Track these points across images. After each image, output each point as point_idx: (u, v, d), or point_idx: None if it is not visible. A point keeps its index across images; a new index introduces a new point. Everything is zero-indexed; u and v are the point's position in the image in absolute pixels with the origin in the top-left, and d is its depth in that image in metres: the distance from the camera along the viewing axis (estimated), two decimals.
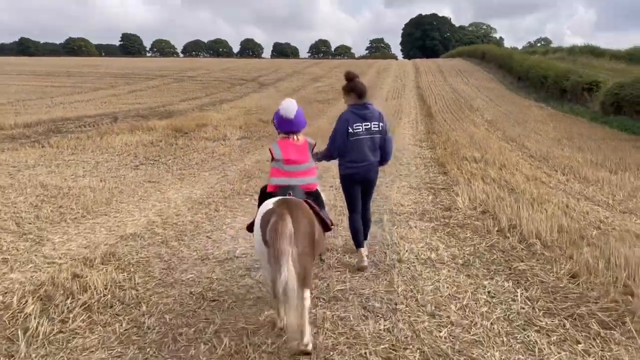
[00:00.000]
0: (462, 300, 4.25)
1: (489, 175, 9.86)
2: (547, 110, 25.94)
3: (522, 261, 5.16)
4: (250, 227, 3.95)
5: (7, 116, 18.77)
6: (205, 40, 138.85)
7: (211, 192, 8.36)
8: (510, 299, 4.28)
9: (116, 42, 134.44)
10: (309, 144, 4.23)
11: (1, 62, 58.50)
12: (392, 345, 3.52)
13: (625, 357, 3.40)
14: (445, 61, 59.87)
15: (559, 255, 5.26)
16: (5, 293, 4.30)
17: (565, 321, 3.87)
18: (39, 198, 7.51)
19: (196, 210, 7.19)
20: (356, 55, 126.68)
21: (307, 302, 3.36)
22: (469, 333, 3.68)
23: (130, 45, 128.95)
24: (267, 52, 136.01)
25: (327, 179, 9.10)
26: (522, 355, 3.42)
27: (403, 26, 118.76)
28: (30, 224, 6.30)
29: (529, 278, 4.71)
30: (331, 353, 3.43)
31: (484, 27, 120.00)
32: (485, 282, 4.64)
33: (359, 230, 5.05)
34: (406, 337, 3.62)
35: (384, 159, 5.17)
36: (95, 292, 4.24)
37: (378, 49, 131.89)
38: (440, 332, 3.70)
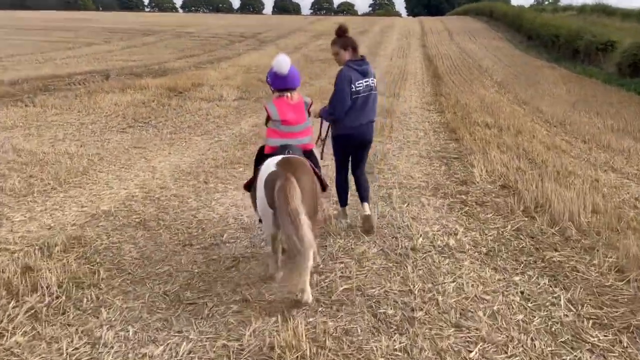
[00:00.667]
0: (491, 304, 3.53)
1: (505, 143, 9.05)
2: (559, 70, 24.81)
3: (555, 250, 4.43)
4: (247, 187, 3.96)
5: None
6: None
7: (202, 160, 7.59)
8: (549, 303, 3.56)
9: None
10: (305, 103, 4.10)
11: None
12: None
13: None
14: (452, 19, 57.96)
15: (598, 242, 4.53)
16: None
17: (622, 336, 3.16)
18: (9, 165, 6.74)
19: (183, 181, 6.43)
20: (359, 13, 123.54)
21: (310, 262, 3.36)
22: (506, 354, 2.97)
23: (128, 0, 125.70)
24: (268, 9, 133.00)
25: None
26: None
27: None
28: None
29: (568, 273, 3.99)
30: None
31: None
32: (517, 279, 3.92)
33: (347, 189, 4.95)
34: None
35: None
36: (46, 293, 3.50)
37: (382, 6, 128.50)
38: (470, 351, 2.99)
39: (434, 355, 2.96)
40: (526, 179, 6.61)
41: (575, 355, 2.98)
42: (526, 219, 5.23)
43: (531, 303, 3.56)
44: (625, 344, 3.08)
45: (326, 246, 4.44)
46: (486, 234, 4.81)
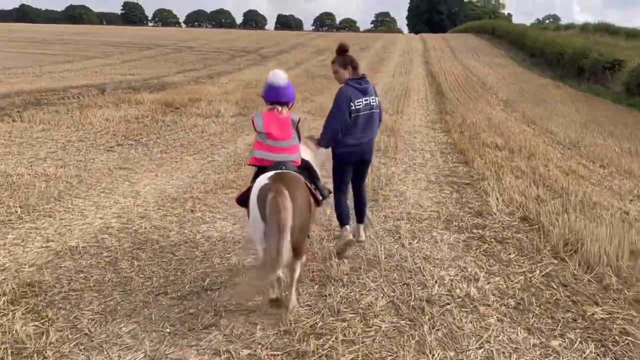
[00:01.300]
0: None
1: (519, 167, 8.41)
2: (564, 89, 24.28)
3: (596, 304, 3.76)
4: (240, 201, 3.85)
5: None
6: (208, 11, 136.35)
7: (191, 183, 6.94)
8: None
9: (118, 10, 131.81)
10: (292, 120, 3.98)
11: None
12: None
13: None
14: (454, 36, 57.69)
15: None
16: None
17: None
18: None
19: (167, 209, 5.78)
20: (361, 29, 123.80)
21: (297, 274, 3.56)
22: None
23: (131, 14, 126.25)
24: (270, 24, 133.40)
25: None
26: None
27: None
28: None
29: (617, 337, 3.31)
30: None
31: (493, 2, 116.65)
32: (555, 344, 3.24)
33: (346, 212, 4.74)
34: None
35: None
36: None
37: (384, 22, 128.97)
38: None
39: None
40: (548, 210, 5.96)
41: None
42: (555, 261, 4.56)
43: None
44: None
45: (326, 296, 3.77)
46: (512, 281, 4.14)
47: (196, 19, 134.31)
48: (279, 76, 3.95)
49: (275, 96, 3.95)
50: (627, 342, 3.26)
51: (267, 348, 3.15)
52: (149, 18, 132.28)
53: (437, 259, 4.58)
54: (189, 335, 3.24)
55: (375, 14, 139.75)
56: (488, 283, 4.09)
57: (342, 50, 4.53)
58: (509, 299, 3.83)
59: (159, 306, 3.58)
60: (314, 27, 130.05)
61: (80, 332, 3.22)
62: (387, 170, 8.06)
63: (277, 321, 3.42)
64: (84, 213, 5.51)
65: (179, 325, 3.35)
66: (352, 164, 4.64)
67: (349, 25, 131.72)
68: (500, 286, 4.05)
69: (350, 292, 3.85)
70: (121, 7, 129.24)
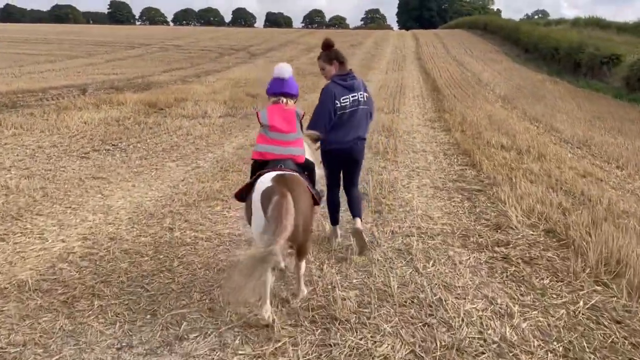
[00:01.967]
0: None
1: (531, 170, 7.72)
2: (562, 85, 23.70)
3: None
4: (239, 196, 3.79)
5: None
6: (197, 9, 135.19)
7: (171, 195, 6.19)
8: None
9: (105, 9, 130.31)
10: (297, 114, 3.90)
11: None
12: None
13: None
14: (445, 32, 57.09)
15: None
16: None
17: None
18: None
19: (142, 228, 5.02)
20: (351, 26, 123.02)
21: (302, 270, 3.64)
22: None
23: (118, 13, 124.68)
24: (259, 22, 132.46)
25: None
26: None
27: None
28: None
29: None
30: None
31: None
32: None
33: (338, 206, 4.73)
34: None
35: None
36: None
37: (374, 19, 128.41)
38: None
39: None
40: (574, 221, 5.26)
41: None
42: (598, 287, 3.86)
43: None
44: None
45: (331, 346, 3.02)
46: (553, 316, 3.43)
47: (184, 17, 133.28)
48: (285, 69, 3.96)
49: (280, 87, 3.94)
50: None
51: None
52: (137, 17, 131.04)
53: (459, 287, 3.86)
54: None
55: (365, 11, 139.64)
56: (525, 320, 3.38)
57: (327, 46, 4.45)
58: (555, 343, 3.12)
59: None
60: (303, 25, 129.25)
61: None
62: (389, 175, 7.35)
63: None
64: (44, 235, 4.72)
65: None
66: (340, 164, 4.57)
67: (338, 22, 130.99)
68: (540, 324, 3.33)
69: (361, 339, 3.10)
70: (108, 6, 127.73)
